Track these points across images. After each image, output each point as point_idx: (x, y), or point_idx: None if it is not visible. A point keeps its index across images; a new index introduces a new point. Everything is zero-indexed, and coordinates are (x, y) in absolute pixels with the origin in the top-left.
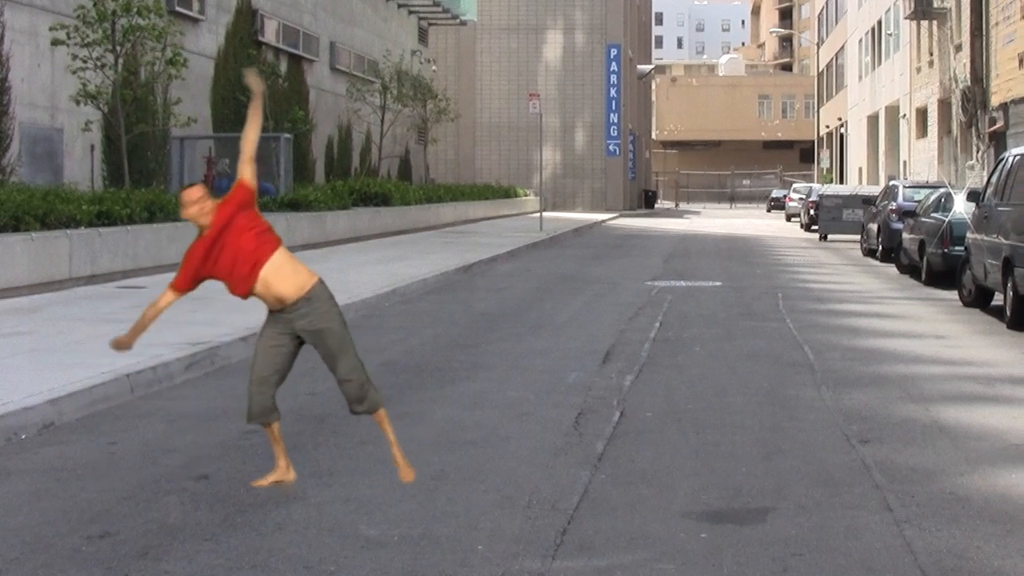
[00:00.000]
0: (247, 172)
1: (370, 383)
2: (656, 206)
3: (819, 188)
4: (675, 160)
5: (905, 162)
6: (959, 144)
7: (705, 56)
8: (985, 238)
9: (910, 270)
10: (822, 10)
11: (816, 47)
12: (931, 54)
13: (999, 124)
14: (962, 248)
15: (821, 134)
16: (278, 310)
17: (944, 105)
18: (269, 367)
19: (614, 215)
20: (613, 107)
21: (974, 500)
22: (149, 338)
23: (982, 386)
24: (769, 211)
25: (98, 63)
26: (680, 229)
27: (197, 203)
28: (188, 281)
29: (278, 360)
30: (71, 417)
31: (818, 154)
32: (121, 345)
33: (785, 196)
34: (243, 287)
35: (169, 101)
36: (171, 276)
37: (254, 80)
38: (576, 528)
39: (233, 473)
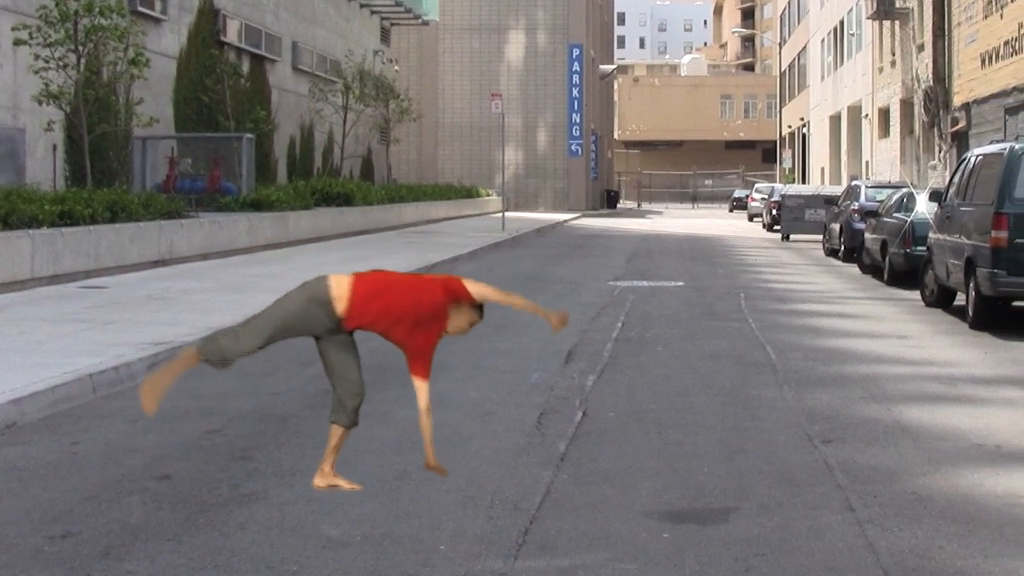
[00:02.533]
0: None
1: (351, 398)
2: (618, 206)
3: (781, 188)
4: (637, 160)
5: (867, 162)
6: (921, 144)
7: (667, 56)
8: (947, 238)
9: (872, 270)
10: (784, 10)
11: (778, 47)
12: (893, 54)
13: (961, 124)
14: (924, 248)
15: (783, 134)
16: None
17: (906, 105)
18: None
19: (576, 215)
20: (575, 107)
21: (936, 500)
22: (110, 338)
23: (944, 386)
24: (731, 211)
25: (60, 63)
26: (642, 229)
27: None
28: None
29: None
30: (33, 417)
31: (780, 154)
32: (432, 468)
33: (747, 196)
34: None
35: (131, 101)
36: (134, 276)
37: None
38: (538, 528)
39: (195, 473)
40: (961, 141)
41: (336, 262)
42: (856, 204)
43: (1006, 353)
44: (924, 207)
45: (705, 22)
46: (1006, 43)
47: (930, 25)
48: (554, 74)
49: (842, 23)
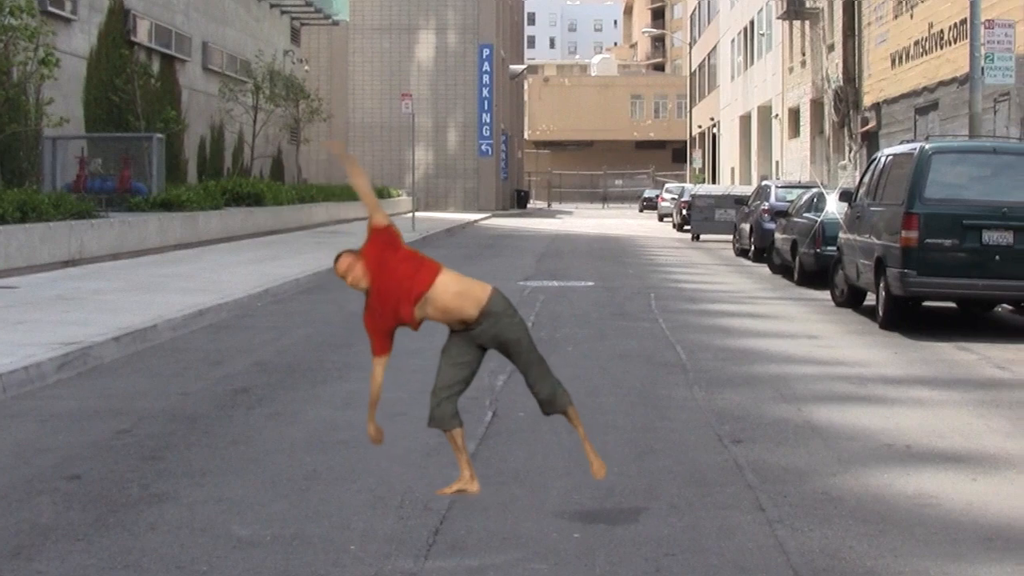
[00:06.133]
0: (377, 217)
1: (559, 384)
2: (529, 206)
3: (691, 188)
4: (548, 160)
5: (777, 162)
6: (831, 144)
7: (577, 56)
8: (857, 238)
9: (782, 270)
10: (694, 10)
11: (688, 47)
12: (803, 54)
13: (871, 124)
14: (834, 248)
15: (693, 134)
16: (462, 329)
17: (816, 105)
18: (454, 377)
19: (487, 215)
20: (486, 107)
21: (847, 500)
22: (21, 338)
23: (854, 386)
24: (642, 211)
25: None
26: (552, 229)
27: (350, 272)
28: (382, 343)
29: (464, 372)
30: None
31: (690, 154)
32: (373, 438)
33: (657, 196)
34: (410, 317)
35: (42, 101)
36: (44, 276)
37: (337, 149)
38: (448, 528)
39: (105, 473)
40: (871, 141)
41: (246, 262)
42: (766, 204)
43: (916, 353)
44: (834, 207)
45: (615, 22)
46: (916, 43)
47: (840, 25)
48: (464, 74)
49: (752, 23)
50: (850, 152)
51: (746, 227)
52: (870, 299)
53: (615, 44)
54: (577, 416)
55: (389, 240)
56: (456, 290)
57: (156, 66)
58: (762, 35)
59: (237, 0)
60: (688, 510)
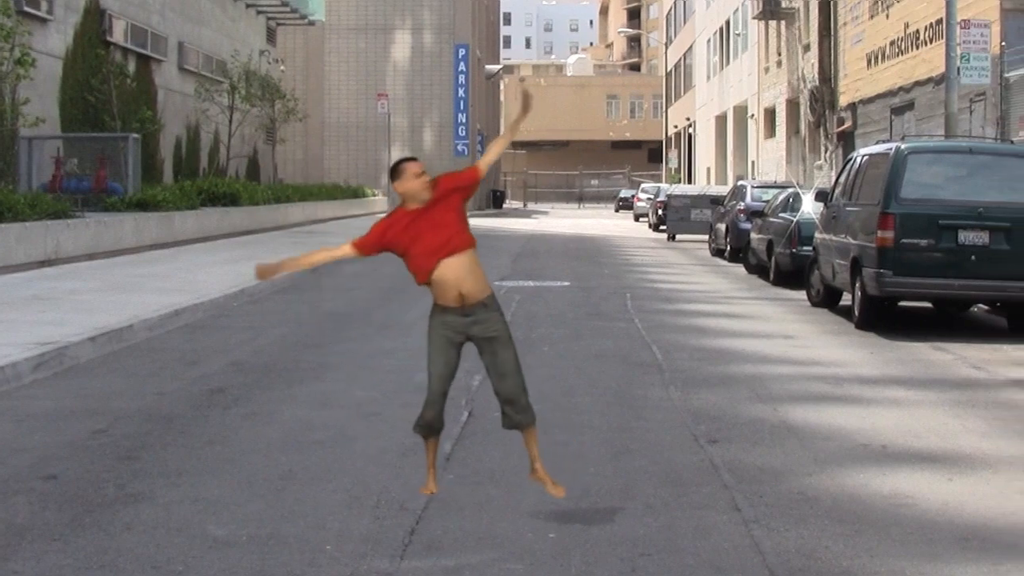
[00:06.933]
0: (483, 165)
1: (527, 399)
2: (504, 206)
3: (667, 188)
4: (523, 160)
5: (753, 162)
6: (807, 144)
7: (553, 56)
8: (833, 238)
9: (758, 270)
10: (670, 10)
11: (664, 47)
12: (779, 54)
13: (847, 124)
14: (810, 248)
15: (669, 134)
16: (455, 309)
17: (792, 105)
18: (445, 384)
19: None
20: (461, 107)
21: (822, 500)
22: None
23: (830, 386)
24: (617, 211)
25: None
26: (528, 229)
27: (421, 176)
28: (373, 245)
29: (451, 375)
30: None
31: (666, 154)
32: (264, 273)
33: (633, 196)
34: (428, 265)
35: (17, 101)
36: (20, 276)
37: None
38: (424, 528)
39: (82, 473)
40: (847, 141)
41: (222, 262)
42: (742, 204)
43: (892, 353)
44: (810, 207)
45: (591, 22)
46: (892, 43)
47: (816, 25)
48: (440, 74)
49: (728, 23)
50: (826, 152)
51: (722, 227)
52: (846, 299)
53: (591, 44)
54: (535, 437)
55: (468, 187)
56: (474, 268)
57: (132, 66)
58: (738, 35)
59: (213, 0)
60: (664, 510)
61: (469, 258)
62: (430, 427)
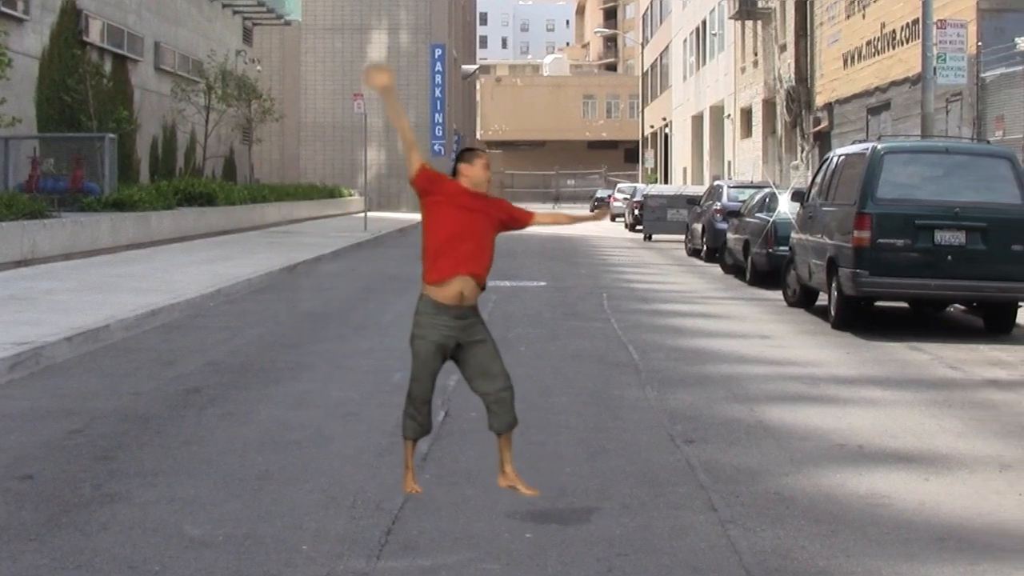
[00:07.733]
0: (540, 217)
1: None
2: None
3: (644, 188)
4: (500, 160)
5: (730, 162)
6: (784, 144)
7: (530, 56)
8: (810, 238)
9: (735, 270)
10: (647, 10)
11: (641, 47)
12: (756, 54)
13: (823, 124)
14: (787, 248)
15: (646, 134)
16: (451, 308)
17: (769, 105)
18: (431, 390)
19: None
20: (438, 107)
21: (799, 500)
22: None
23: (807, 386)
24: (593, 211)
25: None
26: None
27: (487, 171)
28: (427, 177)
29: (435, 380)
30: None
31: (643, 154)
32: (377, 76)
33: (610, 196)
34: (451, 269)
35: None
36: None
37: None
38: (401, 528)
39: (58, 473)
40: (823, 141)
41: (198, 262)
42: (718, 204)
43: (868, 353)
44: (786, 207)
45: (568, 22)
46: (868, 43)
47: (792, 25)
48: (417, 74)
49: (704, 23)
50: (802, 152)
51: (698, 227)
52: (822, 299)
53: (567, 44)
54: (510, 443)
55: (509, 224)
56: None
57: (108, 66)
58: (714, 35)
59: (189, 0)
60: (640, 510)
61: (477, 281)
62: (423, 429)
